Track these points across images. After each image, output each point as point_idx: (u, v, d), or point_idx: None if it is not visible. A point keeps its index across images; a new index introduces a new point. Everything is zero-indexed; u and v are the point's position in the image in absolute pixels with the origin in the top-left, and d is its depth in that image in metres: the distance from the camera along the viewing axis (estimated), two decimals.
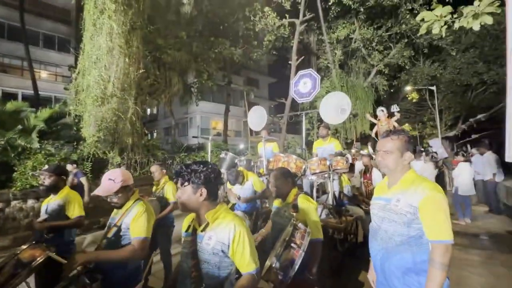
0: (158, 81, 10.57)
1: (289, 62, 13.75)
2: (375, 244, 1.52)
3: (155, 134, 22.98)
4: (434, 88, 14.60)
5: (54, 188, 2.46)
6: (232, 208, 3.79)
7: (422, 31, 2.53)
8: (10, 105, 7.32)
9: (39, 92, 13.47)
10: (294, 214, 1.94)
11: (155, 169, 3.58)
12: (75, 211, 2.41)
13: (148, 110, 23.61)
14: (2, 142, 6.06)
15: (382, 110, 6.62)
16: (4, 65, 18.53)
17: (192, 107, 19.61)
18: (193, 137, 15.70)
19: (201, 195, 1.31)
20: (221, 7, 13.14)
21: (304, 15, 13.44)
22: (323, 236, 2.11)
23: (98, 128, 6.98)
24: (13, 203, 5.77)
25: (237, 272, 1.38)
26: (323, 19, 14.50)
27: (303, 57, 13.41)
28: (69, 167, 5.50)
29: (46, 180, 2.45)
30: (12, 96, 14.84)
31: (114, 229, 1.75)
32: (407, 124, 19.50)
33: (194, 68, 12.48)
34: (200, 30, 13.03)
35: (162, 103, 14.07)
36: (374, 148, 6.70)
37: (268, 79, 27.35)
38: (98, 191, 1.73)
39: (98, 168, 6.83)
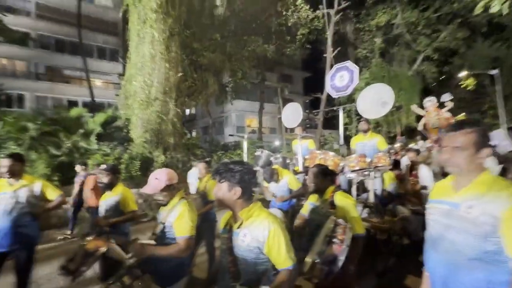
0: (195, 83, 11.09)
1: (324, 55, 13.27)
2: (435, 256, 1.30)
3: (194, 134, 24.18)
4: (496, 71, 12.70)
5: (110, 185, 2.77)
6: (268, 205, 3.83)
7: (478, 10, 2.23)
8: (73, 112, 8.37)
9: (95, 99, 15.16)
10: (332, 210, 1.95)
11: (202, 166, 3.77)
12: (129, 206, 2.68)
13: (187, 111, 24.91)
14: (69, 145, 6.98)
15: (430, 101, 5.96)
16: (67, 77, 21.23)
17: (227, 106, 20.16)
18: (229, 135, 16.16)
19: (235, 193, 1.36)
20: (253, 4, 13.20)
21: (339, 4, 12.80)
22: (364, 232, 2.09)
23: (144, 129, 7.62)
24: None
25: (275, 268, 1.41)
26: (360, 6, 13.63)
27: (339, 49, 12.82)
28: (78, 168, 5.46)
29: (104, 178, 2.77)
30: (74, 104, 16.95)
31: (160, 226, 1.89)
32: (463, 114, 17.34)
33: (229, 68, 12.80)
34: (233, 30, 13.30)
35: (199, 104, 14.73)
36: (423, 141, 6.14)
37: (302, 74, 26.72)
38: (145, 189, 1.87)
39: (145, 166, 7.47)
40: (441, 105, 6.41)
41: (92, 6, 21.52)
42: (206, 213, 3.48)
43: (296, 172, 4.25)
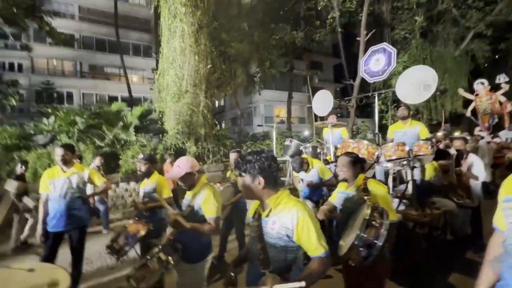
0: (224, 74, 11.20)
1: (357, 38, 12.45)
2: None
3: (223, 125, 24.68)
4: None
5: (147, 174, 2.95)
6: (298, 196, 3.78)
7: None
8: (114, 106, 9.03)
9: (132, 94, 16.15)
10: (366, 197, 1.92)
11: (233, 156, 3.83)
12: (165, 193, 2.84)
13: (216, 102, 25.42)
14: (111, 137, 7.57)
15: (482, 83, 5.29)
16: (107, 74, 22.90)
17: (255, 96, 20.13)
18: (258, 125, 16.19)
19: (259, 183, 1.35)
20: None
21: None
22: (397, 220, 2.08)
23: (177, 121, 7.95)
24: (121, 184, 7.22)
25: (306, 257, 1.39)
26: None
27: (374, 31, 11.90)
28: (97, 161, 5.68)
29: (142, 167, 2.95)
30: (114, 99, 18.24)
31: (188, 209, 2.04)
32: None
33: (256, 58, 12.68)
34: (261, 19, 13.05)
35: (228, 95, 14.91)
36: (471, 129, 5.52)
37: (332, 60, 25.48)
38: (168, 175, 2.03)
39: (179, 156, 7.82)
40: (494, 88, 5.68)
41: (127, 5, 22.67)
42: (236, 202, 3.55)
43: (327, 162, 4.12)
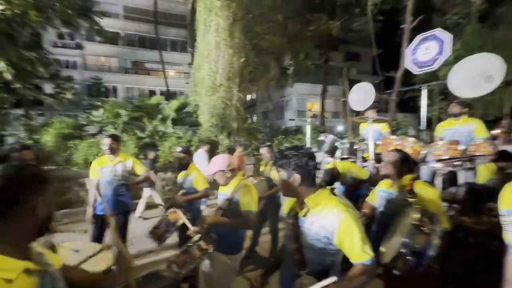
0: (257, 67, 11.16)
1: (401, 26, 11.44)
2: None
3: (254, 118, 24.82)
4: None
5: (185, 165, 3.05)
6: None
7: None
8: (153, 100, 9.54)
9: (169, 88, 16.96)
10: (412, 200, 1.77)
11: (265, 151, 3.81)
12: (201, 184, 2.92)
13: (248, 96, 25.57)
14: (151, 128, 8.03)
15: None
16: (148, 69, 24.34)
17: (288, 90, 19.81)
18: (290, 119, 15.95)
19: (295, 180, 1.29)
20: None
21: None
22: (449, 228, 1.93)
23: (210, 115, 8.15)
24: (159, 174, 7.66)
25: (346, 261, 1.30)
26: None
27: (421, 17, 10.82)
28: (151, 154, 5.98)
29: (183, 159, 3.07)
30: (153, 93, 19.36)
31: (226, 203, 2.05)
32: None
33: (290, 50, 12.38)
34: (296, 9, 12.66)
35: (260, 88, 14.86)
36: None
37: (371, 51, 23.80)
38: (205, 170, 2.17)
39: (212, 149, 8.05)
40: None
41: (165, 2, 23.62)
42: (271, 196, 3.53)
43: (365, 160, 3.87)
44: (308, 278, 1.21)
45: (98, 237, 3.11)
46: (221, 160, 2.08)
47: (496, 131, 5.51)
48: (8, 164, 0.82)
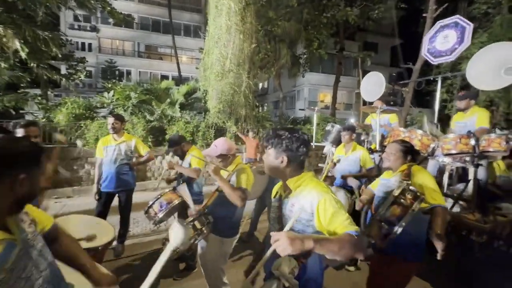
0: (268, 54, 10.93)
1: (424, 14, 10.81)
2: None
3: (265, 107, 24.60)
4: None
5: (182, 154, 3.09)
6: (332, 184, 3.55)
7: None
8: (163, 84, 9.60)
9: (181, 74, 16.97)
10: (406, 181, 1.77)
11: None
12: (195, 163, 2.95)
13: (260, 85, 25.27)
14: (159, 112, 8.11)
15: None
16: (160, 54, 24.36)
17: (300, 79, 19.40)
18: (300, 109, 15.68)
19: (282, 161, 1.27)
20: None
21: None
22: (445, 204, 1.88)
23: (219, 100, 8.12)
24: (166, 157, 7.79)
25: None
26: None
27: (446, 5, 10.17)
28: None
29: (177, 151, 3.10)
30: (166, 78, 19.43)
31: None
32: None
33: (304, 38, 11.99)
34: None
35: (271, 77, 14.61)
36: None
37: (390, 41, 22.77)
38: (205, 151, 2.17)
39: (219, 135, 8.07)
40: None
41: None
42: (270, 183, 3.51)
43: (371, 151, 3.76)
44: (287, 258, 1.18)
45: (102, 213, 3.21)
46: (223, 144, 2.09)
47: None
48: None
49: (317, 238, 1.01)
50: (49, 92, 12.92)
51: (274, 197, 1.47)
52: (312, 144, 4.34)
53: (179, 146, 3.07)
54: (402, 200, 1.51)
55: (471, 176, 3.04)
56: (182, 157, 3.10)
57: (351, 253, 1.05)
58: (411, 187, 1.63)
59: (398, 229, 1.45)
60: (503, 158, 3.16)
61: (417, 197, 1.55)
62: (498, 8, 12.37)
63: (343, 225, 1.11)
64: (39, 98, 9.84)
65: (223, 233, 2.08)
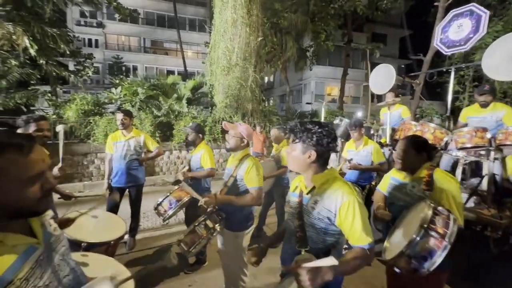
0: (274, 47, 10.79)
1: (435, 3, 10.45)
2: None
3: (271, 101, 24.44)
4: None
5: (193, 143, 3.06)
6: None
7: None
8: (169, 79, 9.61)
9: (187, 68, 16.94)
10: (427, 193, 1.56)
11: (275, 132, 3.76)
12: (208, 163, 2.92)
13: (266, 79, 25.07)
14: (166, 107, 8.14)
15: None
16: (166, 49, 24.36)
17: (306, 73, 19.14)
18: (307, 103, 15.51)
19: (309, 157, 1.23)
20: None
21: None
22: (464, 226, 1.59)
23: (225, 95, 8.08)
24: (174, 152, 7.86)
25: (348, 244, 1.26)
26: None
27: None
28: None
29: (190, 135, 3.07)
30: (172, 73, 19.45)
31: (231, 179, 2.06)
32: None
33: (311, 29, 11.76)
34: None
35: (278, 70, 14.44)
36: None
37: (399, 32, 22.16)
38: (226, 125, 2.13)
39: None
40: None
41: None
42: (278, 178, 3.52)
43: (381, 145, 3.70)
44: (307, 255, 1.19)
45: (113, 208, 3.26)
46: (246, 129, 2.10)
47: None
48: None
49: (335, 268, 1.05)
50: (58, 89, 13.11)
51: (293, 191, 1.44)
52: None
53: (198, 135, 3.02)
54: (432, 232, 1.29)
55: (485, 170, 2.96)
56: (194, 145, 3.04)
57: (361, 267, 1.15)
58: (439, 208, 1.40)
59: (430, 267, 1.26)
60: None
61: (448, 219, 1.33)
62: None
63: (356, 237, 1.17)
64: (49, 95, 9.99)
65: (235, 227, 2.08)
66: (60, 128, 2.30)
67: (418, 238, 1.28)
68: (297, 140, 1.26)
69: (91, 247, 1.88)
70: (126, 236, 3.36)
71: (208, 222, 1.95)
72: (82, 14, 21.18)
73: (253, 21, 7.96)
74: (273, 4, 10.08)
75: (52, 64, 10.01)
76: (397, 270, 1.38)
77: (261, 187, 1.99)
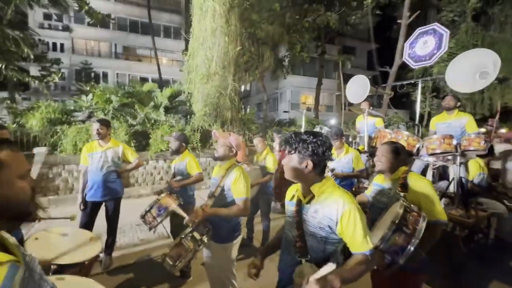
0: (252, 57, 10.96)
1: (398, 21, 11.42)
2: None
3: (248, 109, 24.60)
4: None
5: (177, 151, 2.98)
6: None
7: None
8: (145, 87, 9.28)
9: (162, 76, 16.55)
10: (402, 194, 1.69)
11: (258, 141, 3.79)
12: (194, 169, 2.89)
13: (243, 87, 25.25)
14: (142, 115, 7.83)
15: None
16: (139, 56, 23.59)
17: (282, 82, 19.66)
18: (284, 111, 15.85)
19: (306, 166, 1.25)
20: None
21: None
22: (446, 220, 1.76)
23: (204, 103, 8.00)
24: (150, 162, 7.52)
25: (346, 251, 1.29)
26: None
27: (418, 12, 10.82)
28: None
29: (172, 144, 2.98)
30: (145, 80, 18.86)
31: (218, 189, 2.02)
32: None
33: (287, 41, 12.19)
34: None
35: (255, 79, 14.65)
36: None
37: (367, 45, 23.78)
38: (216, 133, 2.18)
39: (205, 138, 7.94)
40: None
41: None
42: (263, 185, 3.53)
43: (360, 152, 3.88)
44: (309, 265, 1.20)
45: (87, 224, 3.03)
46: (236, 139, 2.11)
47: (482, 129, 5.67)
48: None
49: (342, 276, 1.08)
50: (17, 96, 12.04)
51: (291, 200, 1.44)
52: None
53: (181, 144, 2.96)
54: (404, 228, 1.40)
55: (452, 174, 3.24)
56: (178, 153, 2.98)
57: (364, 273, 1.18)
58: (411, 206, 1.53)
59: (400, 261, 1.37)
60: (483, 156, 3.39)
61: (418, 219, 1.44)
62: (463, 16, 13.39)
63: (358, 244, 1.19)
64: (8, 102, 9.13)
65: (223, 239, 2.03)
66: (41, 151, 2.08)
67: (390, 233, 1.39)
68: (292, 151, 1.28)
69: (63, 269, 1.71)
70: (102, 255, 3.13)
71: (195, 234, 1.89)
72: (46, 17, 19.88)
73: (232, 31, 8.05)
74: (251, 15, 10.30)
75: (12, 69, 9.20)
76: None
77: (249, 198, 1.97)
